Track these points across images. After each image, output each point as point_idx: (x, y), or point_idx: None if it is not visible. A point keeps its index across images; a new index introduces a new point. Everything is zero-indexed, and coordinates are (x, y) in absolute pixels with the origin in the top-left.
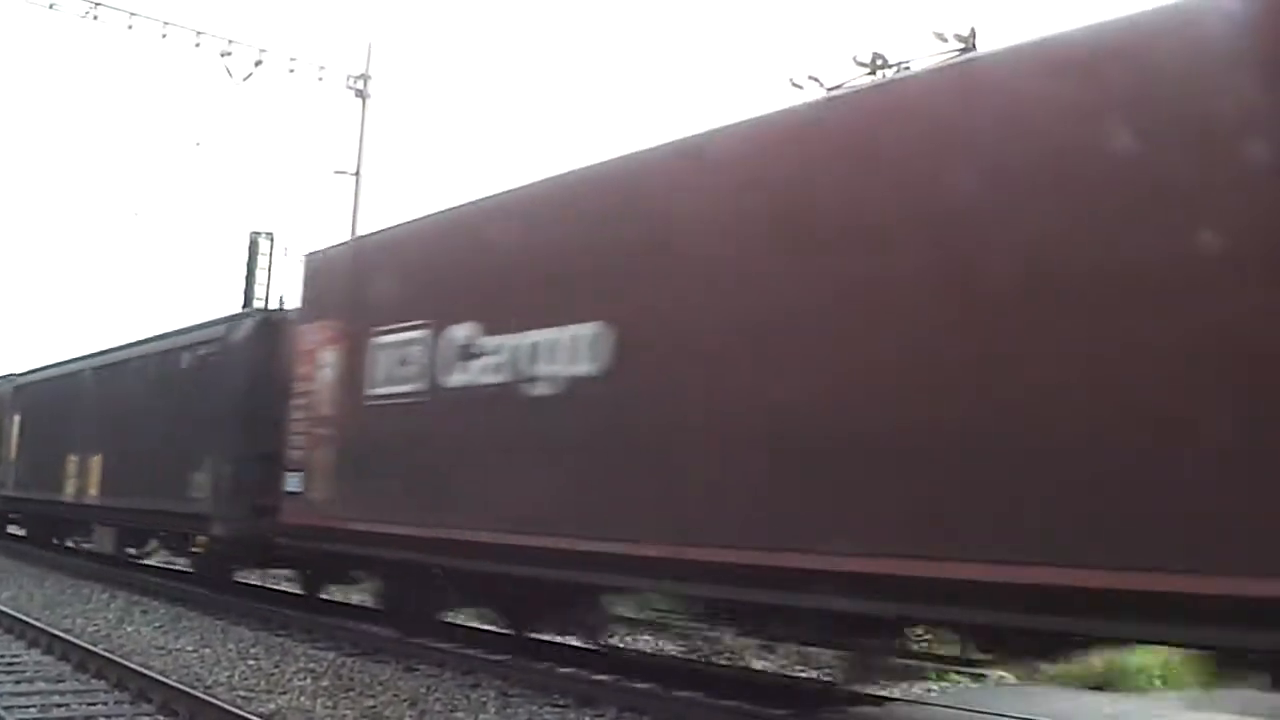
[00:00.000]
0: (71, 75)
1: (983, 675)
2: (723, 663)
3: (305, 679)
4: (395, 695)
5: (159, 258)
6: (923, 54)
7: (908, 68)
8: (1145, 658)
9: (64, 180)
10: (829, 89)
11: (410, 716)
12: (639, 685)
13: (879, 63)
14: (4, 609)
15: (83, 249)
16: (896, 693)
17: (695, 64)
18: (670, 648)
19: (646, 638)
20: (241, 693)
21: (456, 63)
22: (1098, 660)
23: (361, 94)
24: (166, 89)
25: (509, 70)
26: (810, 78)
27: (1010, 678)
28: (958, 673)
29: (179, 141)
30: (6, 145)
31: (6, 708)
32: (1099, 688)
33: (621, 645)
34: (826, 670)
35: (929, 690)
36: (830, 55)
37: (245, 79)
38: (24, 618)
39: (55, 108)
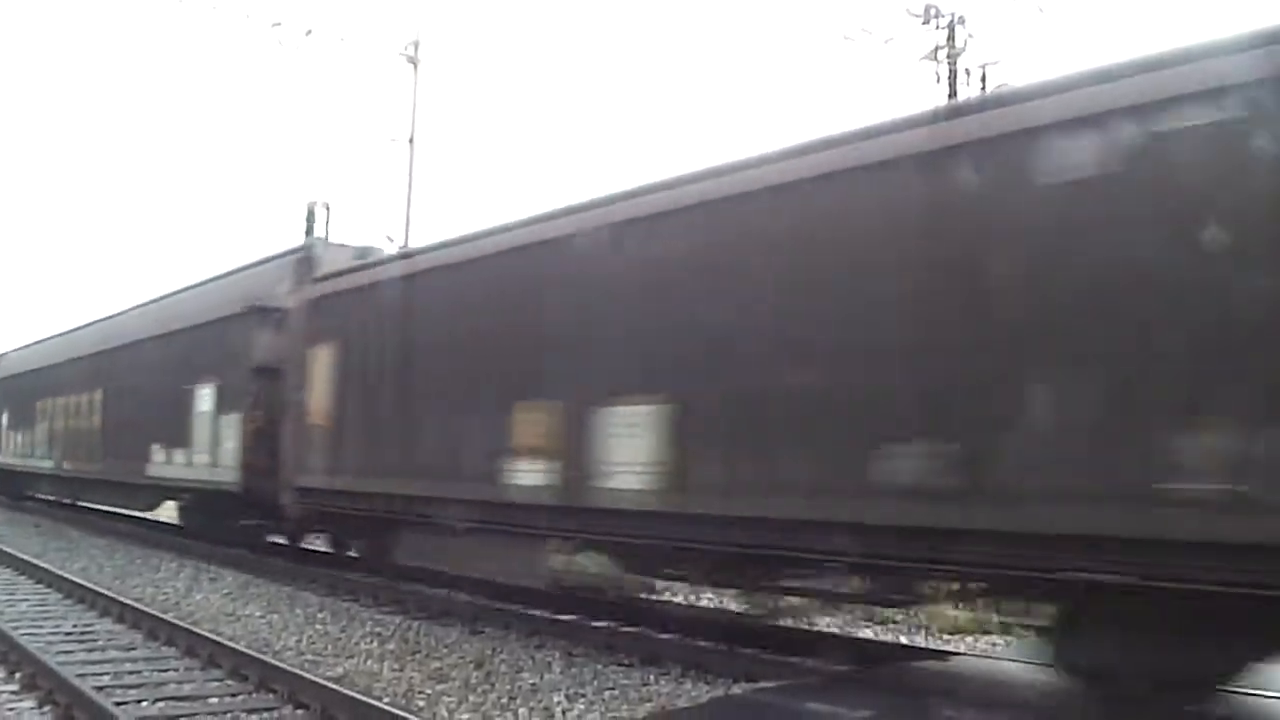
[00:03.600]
0: (126, 50)
1: (1048, 628)
2: (786, 621)
3: (372, 643)
4: (461, 657)
5: (218, 232)
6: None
7: (962, 20)
8: None
9: (118, 154)
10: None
11: (476, 678)
12: (702, 644)
13: (933, 13)
14: (76, 579)
15: (140, 222)
16: (962, 648)
17: (744, 24)
18: (734, 606)
19: (709, 596)
20: (309, 657)
21: (507, 30)
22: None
23: (413, 60)
24: (218, 61)
25: (560, 36)
26: (863, 30)
27: None
28: (1023, 626)
29: (234, 113)
30: (64, 123)
31: (80, 675)
32: None
33: (684, 603)
34: (891, 626)
35: (994, 644)
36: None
37: (296, 49)
38: (95, 588)
39: (113, 82)
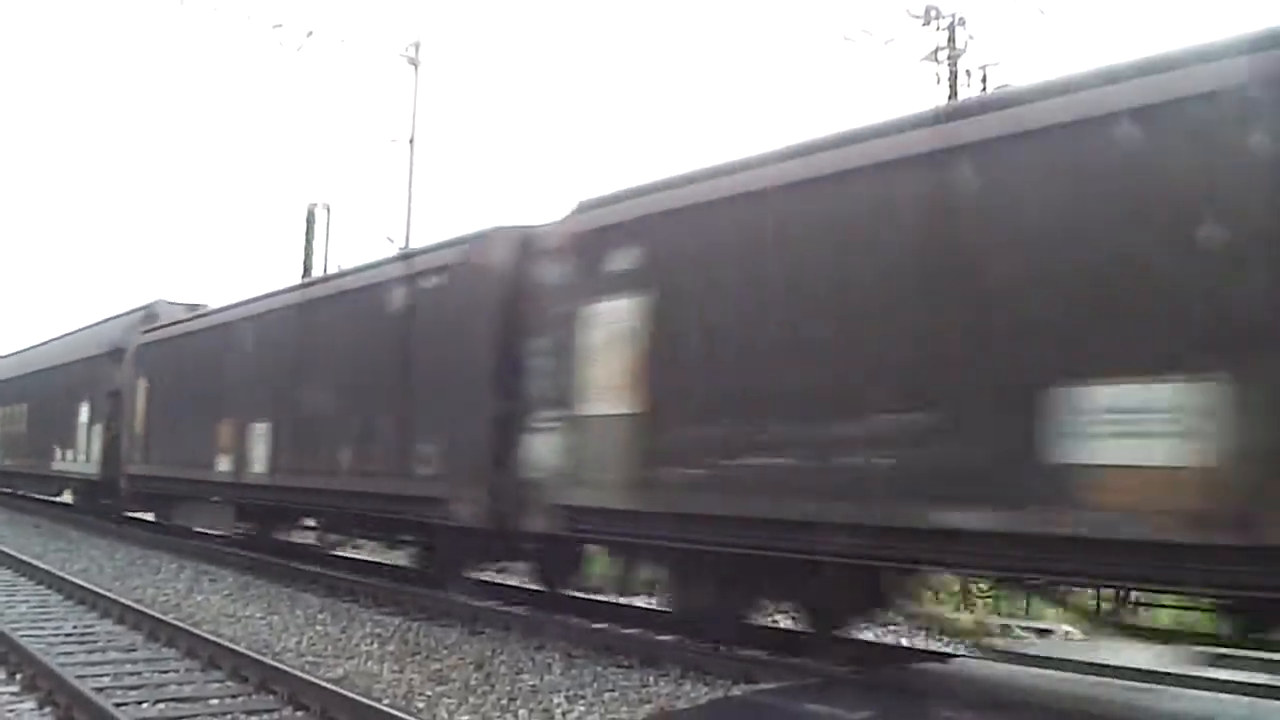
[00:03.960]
0: (127, 51)
1: (1049, 631)
2: (785, 623)
3: (372, 644)
4: (461, 658)
5: (217, 229)
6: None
7: (962, 22)
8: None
9: (116, 156)
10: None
11: (476, 679)
12: (701, 645)
13: (933, 14)
14: (76, 580)
15: (141, 221)
16: (961, 649)
17: (744, 20)
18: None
19: None
20: (309, 658)
21: (506, 32)
22: (1165, 615)
23: (414, 61)
24: (219, 62)
25: (561, 38)
26: (863, 31)
27: (1076, 633)
28: (1023, 628)
29: (235, 114)
30: (65, 122)
31: (79, 677)
32: (1166, 640)
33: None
34: (891, 629)
35: (994, 649)
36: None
37: (298, 50)
38: (96, 589)
39: (111, 83)
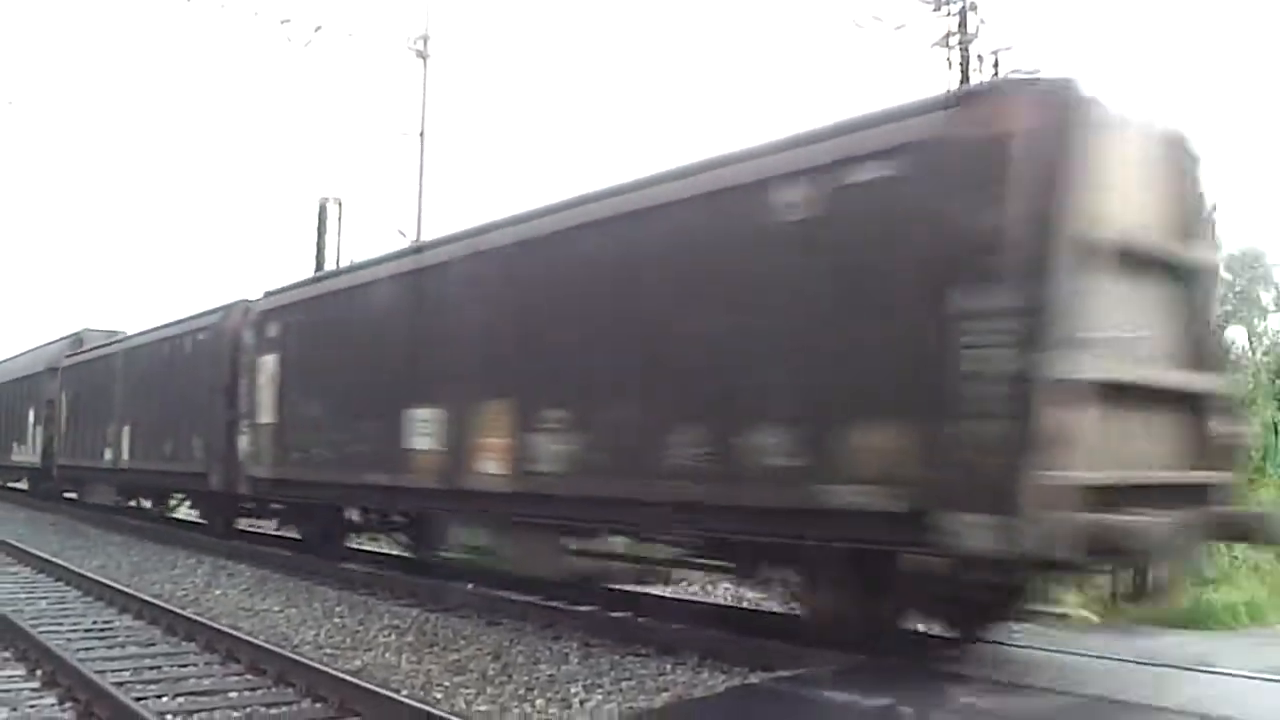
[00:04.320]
0: (134, 46)
1: (1065, 615)
2: (800, 611)
3: (390, 635)
4: (479, 649)
5: (231, 226)
6: None
7: (974, 6)
8: (1231, 595)
9: (130, 153)
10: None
11: (494, 669)
12: (718, 633)
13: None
14: (94, 576)
15: (155, 219)
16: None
17: (756, 11)
18: (751, 594)
19: (726, 585)
20: (328, 650)
21: (516, 23)
22: (1182, 599)
23: (422, 54)
24: (229, 58)
25: (571, 26)
26: (874, 17)
27: (1093, 618)
28: (1039, 613)
29: (246, 110)
30: (77, 119)
31: (99, 672)
32: (1183, 626)
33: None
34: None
35: (1010, 632)
36: None
37: (306, 45)
38: (114, 584)
39: (119, 80)
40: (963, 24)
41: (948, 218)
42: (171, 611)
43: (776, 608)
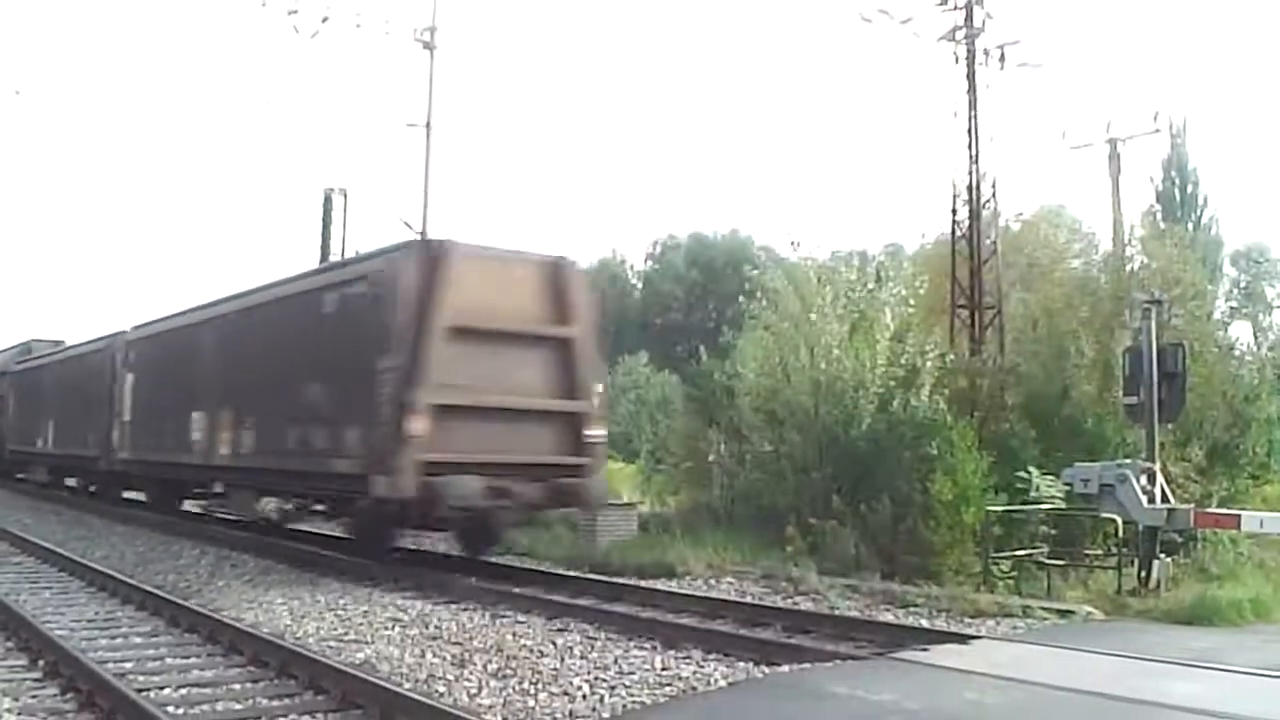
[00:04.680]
0: (141, 38)
1: (1070, 612)
2: (806, 606)
3: (393, 628)
4: (482, 642)
5: (237, 216)
6: None
7: (979, 1)
8: (1236, 591)
9: (135, 143)
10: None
11: (497, 662)
12: (722, 627)
13: None
14: (98, 567)
15: (160, 210)
16: (983, 630)
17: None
18: (755, 589)
19: (730, 580)
20: (331, 643)
21: (522, 13)
22: (1187, 594)
23: (429, 46)
24: (235, 48)
25: (577, 18)
26: (880, 11)
27: (1098, 614)
28: (1044, 609)
29: (251, 101)
30: (79, 113)
31: (101, 662)
32: (1188, 622)
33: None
34: (912, 611)
35: (1015, 628)
36: None
37: (312, 36)
38: (118, 575)
39: (123, 71)
40: (969, 18)
41: (377, 316)
42: (174, 603)
43: (780, 602)
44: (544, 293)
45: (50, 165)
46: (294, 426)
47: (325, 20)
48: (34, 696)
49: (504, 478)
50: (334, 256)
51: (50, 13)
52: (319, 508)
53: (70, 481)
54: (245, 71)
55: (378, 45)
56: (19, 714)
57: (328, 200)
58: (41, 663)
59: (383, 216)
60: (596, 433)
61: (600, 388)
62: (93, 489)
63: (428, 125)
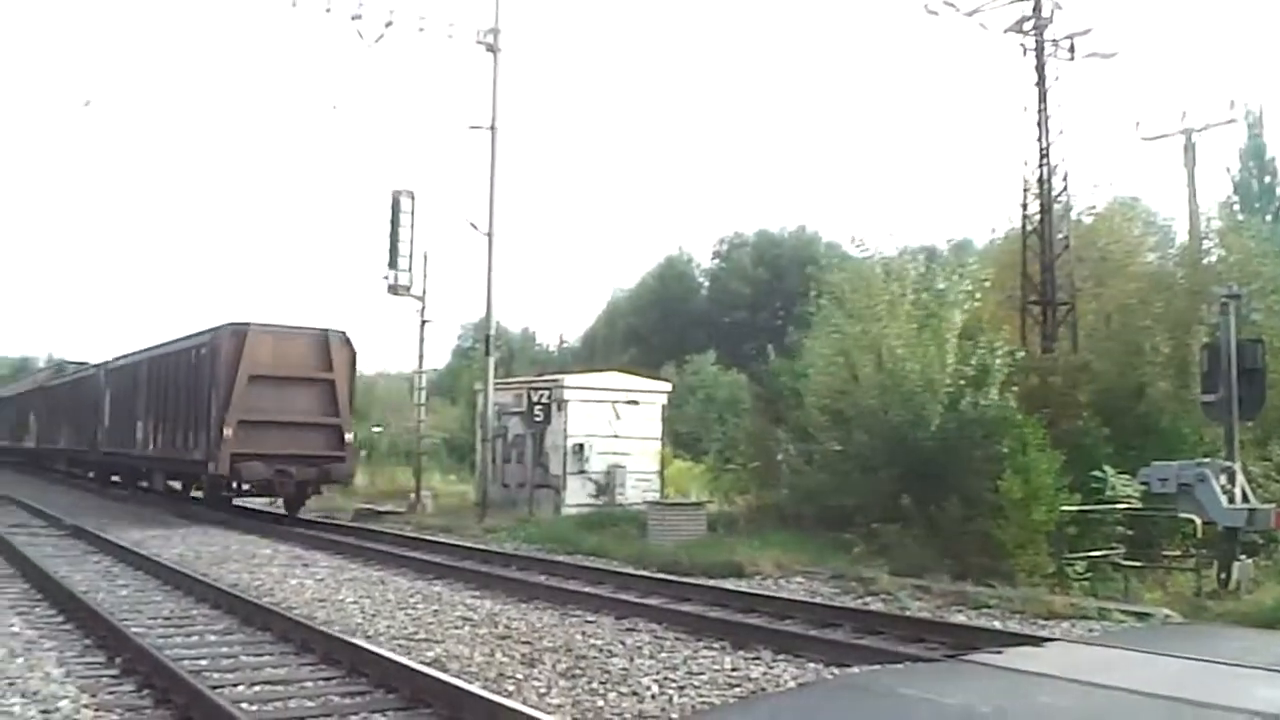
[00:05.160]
0: (208, 47)
1: (1147, 614)
2: (876, 607)
3: (463, 627)
4: (552, 642)
5: (306, 221)
6: None
7: None
8: None
9: (205, 152)
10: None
11: (566, 661)
12: (791, 628)
13: None
14: (174, 566)
15: (230, 218)
16: (1057, 633)
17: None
18: (824, 589)
19: (799, 580)
20: (401, 641)
21: (587, 13)
22: (1268, 597)
23: (492, 49)
24: (301, 55)
25: (639, 18)
26: (946, 3)
27: (1176, 616)
28: (1121, 611)
29: (317, 106)
30: (148, 120)
31: (176, 660)
32: (1270, 626)
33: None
34: (985, 612)
35: (1091, 630)
36: None
37: (376, 40)
38: (192, 574)
39: (192, 80)
40: (1037, 9)
41: (210, 368)
42: (248, 601)
43: (851, 603)
44: (313, 353)
45: (121, 173)
46: (177, 432)
47: (389, 25)
48: (111, 693)
49: (285, 463)
50: (402, 260)
51: (119, 24)
52: (175, 483)
53: (55, 467)
54: (311, 78)
55: (441, 49)
56: (96, 710)
57: (395, 203)
58: (119, 660)
59: (450, 218)
60: (349, 437)
61: (350, 409)
62: (90, 474)
63: (492, 127)
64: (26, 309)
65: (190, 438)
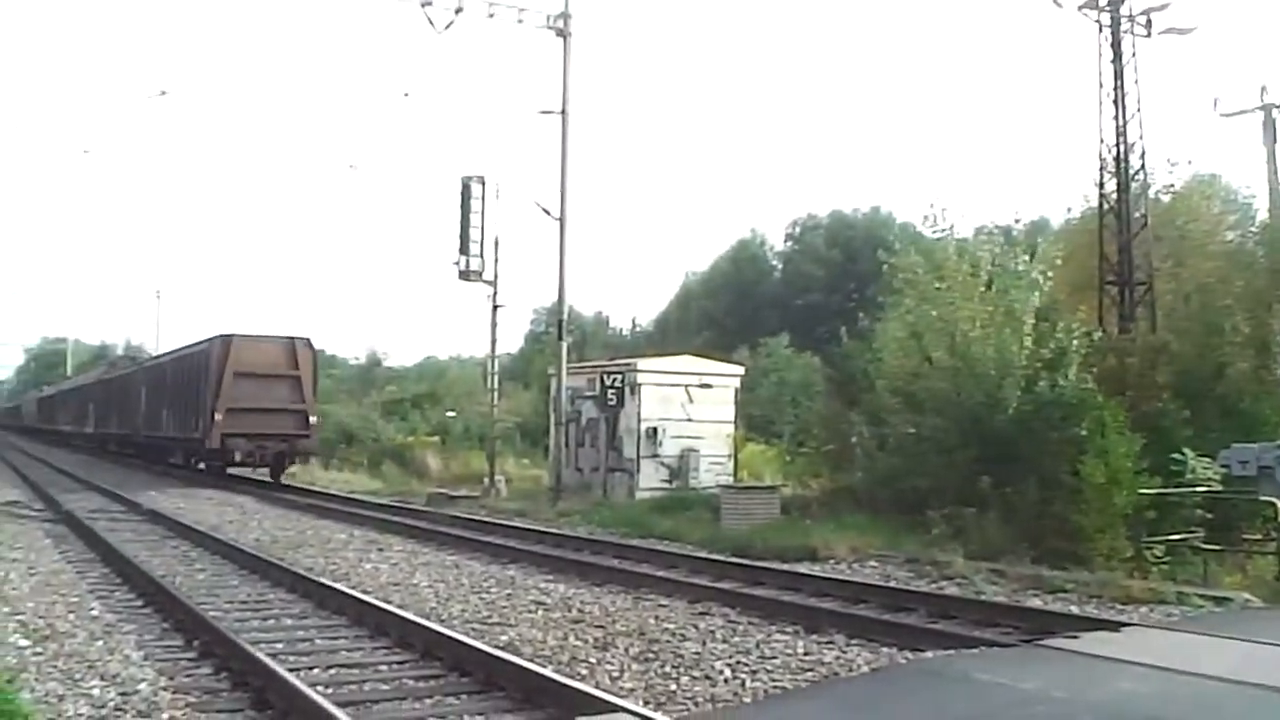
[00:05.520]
0: (278, 37)
1: (1228, 599)
2: (951, 591)
3: (536, 611)
4: (625, 626)
5: (377, 208)
6: None
7: None
8: None
9: (279, 141)
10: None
11: (639, 645)
12: (865, 612)
13: None
14: (250, 550)
15: (302, 206)
16: (1135, 618)
17: None
18: (898, 573)
19: (873, 564)
20: (474, 625)
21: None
22: None
23: (562, 33)
24: (372, 43)
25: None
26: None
27: (1257, 601)
28: (1200, 596)
29: (388, 94)
30: (220, 111)
31: (254, 643)
32: None
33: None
34: (1061, 596)
35: (1169, 615)
36: None
37: (446, 27)
38: (269, 558)
39: (265, 72)
40: None
41: (205, 368)
42: (324, 585)
43: (925, 587)
44: (283, 355)
45: (195, 163)
46: (186, 417)
47: (459, 11)
48: (189, 676)
49: (262, 440)
50: (473, 245)
51: (191, 15)
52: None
53: (108, 448)
54: (383, 66)
55: (510, 34)
56: (174, 692)
57: (466, 189)
58: (197, 643)
59: (521, 203)
60: (313, 419)
61: (314, 398)
62: (129, 451)
63: (563, 112)
64: (109, 298)
65: (194, 421)
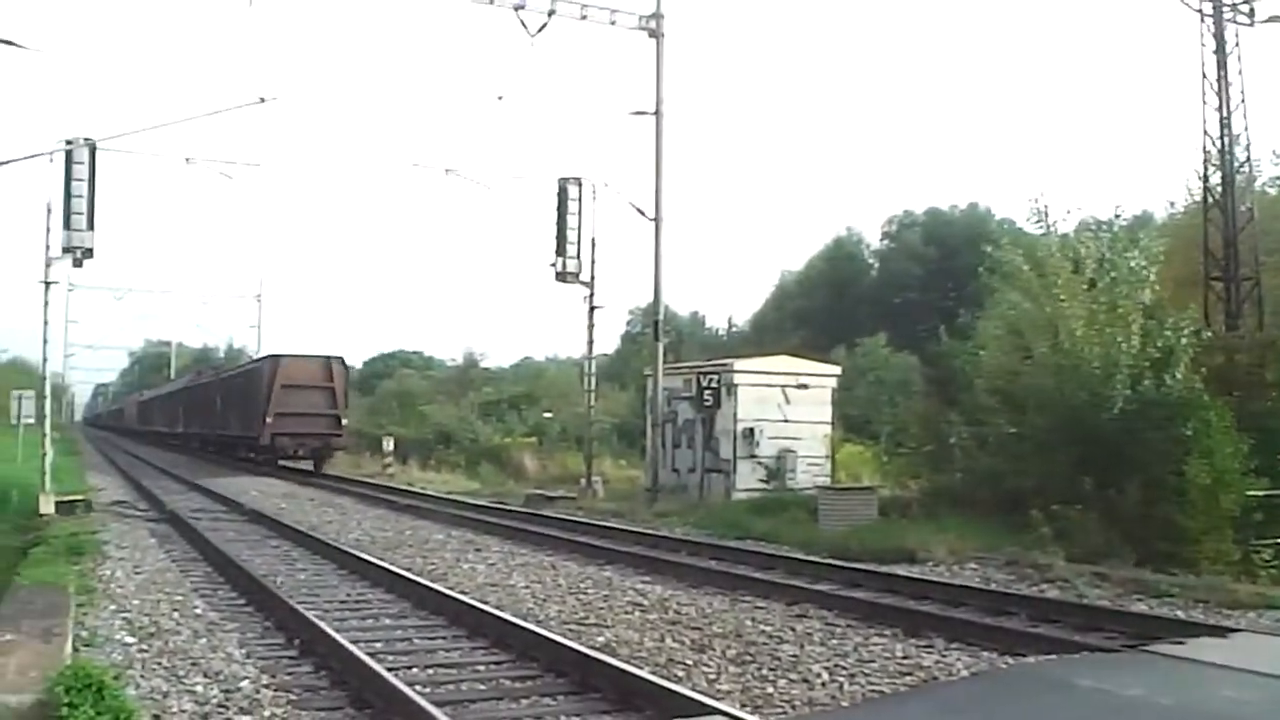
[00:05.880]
0: (375, 44)
1: None
2: (1052, 594)
3: (633, 612)
4: (721, 627)
5: (474, 212)
6: None
7: None
8: None
9: (377, 147)
10: None
11: (736, 648)
12: (964, 615)
13: None
14: (350, 550)
15: (401, 210)
16: (1243, 623)
17: None
18: (998, 576)
19: (973, 566)
20: (571, 626)
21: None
22: None
23: (655, 34)
24: (467, 49)
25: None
26: None
27: None
28: None
29: (483, 98)
30: (320, 121)
31: (354, 641)
32: None
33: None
34: (1166, 601)
35: (1278, 620)
36: None
37: (539, 30)
38: (368, 558)
39: (361, 77)
40: None
41: (259, 381)
42: (422, 585)
43: (1026, 590)
44: (321, 370)
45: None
46: (246, 420)
47: (551, 14)
48: (290, 674)
49: (303, 439)
50: (570, 246)
51: (289, 24)
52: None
53: (191, 446)
54: (478, 71)
55: (603, 36)
56: (275, 690)
57: (562, 190)
58: (297, 641)
59: (617, 204)
60: (344, 421)
61: (345, 404)
62: (210, 449)
63: (657, 112)
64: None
65: (252, 423)
